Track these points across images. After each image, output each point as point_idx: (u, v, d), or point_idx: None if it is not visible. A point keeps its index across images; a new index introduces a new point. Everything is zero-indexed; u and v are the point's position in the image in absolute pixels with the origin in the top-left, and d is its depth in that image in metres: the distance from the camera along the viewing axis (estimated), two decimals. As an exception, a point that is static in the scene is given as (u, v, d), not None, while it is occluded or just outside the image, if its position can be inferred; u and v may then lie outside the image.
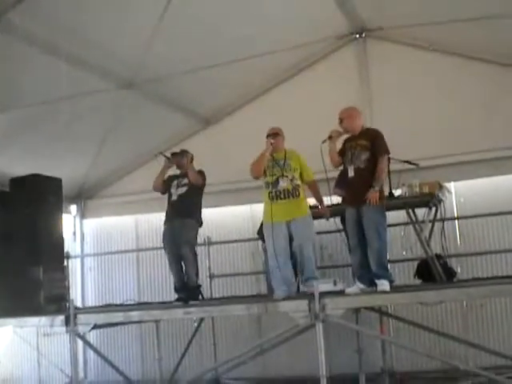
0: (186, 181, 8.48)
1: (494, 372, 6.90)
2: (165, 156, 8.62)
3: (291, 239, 7.32)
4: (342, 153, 7.23)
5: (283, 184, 7.30)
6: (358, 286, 6.94)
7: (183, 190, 8.44)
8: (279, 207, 7.26)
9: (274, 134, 7.47)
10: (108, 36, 8.08)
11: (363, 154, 7.00)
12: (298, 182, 7.38)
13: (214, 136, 10.93)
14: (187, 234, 8.33)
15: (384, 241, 6.91)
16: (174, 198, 8.45)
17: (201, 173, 8.53)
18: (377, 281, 6.76)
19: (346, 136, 7.32)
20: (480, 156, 9.41)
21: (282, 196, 7.28)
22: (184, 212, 8.33)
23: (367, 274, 6.93)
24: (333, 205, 8.50)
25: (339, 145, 7.33)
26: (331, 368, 6.58)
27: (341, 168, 7.37)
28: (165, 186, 8.61)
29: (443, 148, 9.52)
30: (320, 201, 7.70)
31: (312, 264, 7.31)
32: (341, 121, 7.24)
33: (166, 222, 8.49)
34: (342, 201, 8.10)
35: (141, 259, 11.68)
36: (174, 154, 8.70)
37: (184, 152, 8.69)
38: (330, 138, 7.20)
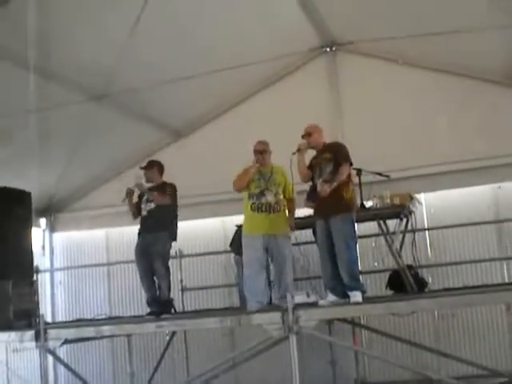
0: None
1: (465, 381, 6.98)
2: (129, 191, 8.48)
3: (267, 251, 7.33)
4: (311, 169, 7.27)
5: (267, 197, 7.35)
6: (331, 297, 6.93)
7: (151, 205, 8.36)
8: (260, 220, 7.31)
9: (261, 151, 7.51)
10: (78, 48, 8.02)
11: (328, 166, 7.07)
12: (281, 197, 7.46)
13: (185, 148, 10.89)
14: (159, 248, 8.26)
15: (354, 252, 6.93)
16: (144, 213, 8.38)
17: (171, 188, 8.45)
18: (349, 292, 6.76)
19: (312, 153, 7.34)
20: (449, 167, 9.52)
21: (264, 209, 7.33)
22: (156, 226, 8.26)
23: (339, 286, 6.92)
24: (304, 217, 8.53)
25: (306, 162, 7.33)
26: (305, 380, 6.55)
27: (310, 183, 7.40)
28: (138, 204, 8.55)
29: (413, 160, 9.61)
30: (291, 218, 7.69)
31: (289, 284, 7.32)
32: (309, 135, 7.28)
33: (139, 235, 8.44)
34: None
35: (112, 273, 11.59)
36: (142, 168, 8.61)
37: (152, 163, 8.61)
38: (299, 150, 7.21)
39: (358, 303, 6.66)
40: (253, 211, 7.36)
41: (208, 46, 8.80)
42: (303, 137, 7.30)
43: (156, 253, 8.23)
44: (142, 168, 8.60)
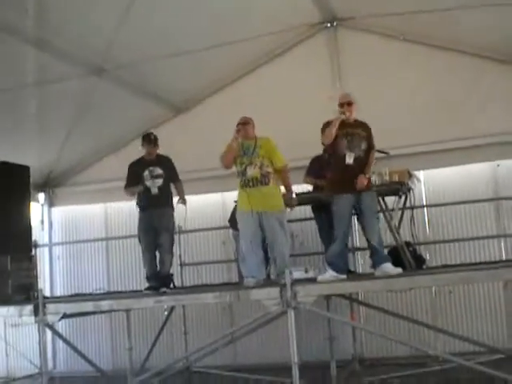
0: (159, 171, 8.40)
1: (462, 358, 6.98)
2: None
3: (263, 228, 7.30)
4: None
5: (250, 172, 7.27)
6: (331, 273, 6.95)
7: (159, 181, 8.37)
8: (250, 195, 7.24)
9: (243, 124, 7.44)
10: (77, 21, 7.95)
11: (362, 143, 7.12)
12: (269, 170, 7.33)
13: (185, 124, 10.87)
14: (167, 222, 8.34)
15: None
16: (155, 190, 8.34)
17: (172, 163, 8.50)
18: (383, 264, 6.90)
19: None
20: (449, 145, 9.50)
21: (251, 184, 7.26)
22: (163, 201, 8.35)
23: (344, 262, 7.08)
24: (303, 193, 8.53)
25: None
26: (302, 355, 6.60)
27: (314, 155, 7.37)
28: (134, 174, 8.50)
29: (413, 137, 9.58)
30: (288, 188, 7.64)
31: (285, 258, 7.26)
32: (350, 104, 7.21)
33: (143, 210, 8.41)
34: (316, 188, 8.15)
35: (110, 248, 11.61)
36: (145, 138, 8.57)
37: (153, 138, 8.58)
38: (343, 114, 7.13)
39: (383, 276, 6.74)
40: (241, 188, 7.34)
41: (208, 21, 8.73)
42: (343, 104, 7.21)
43: (163, 227, 8.30)
44: (144, 138, 8.55)
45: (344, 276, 6.93)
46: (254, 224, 7.24)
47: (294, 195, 7.72)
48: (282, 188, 7.69)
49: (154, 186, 8.35)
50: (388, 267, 6.89)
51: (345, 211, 7.05)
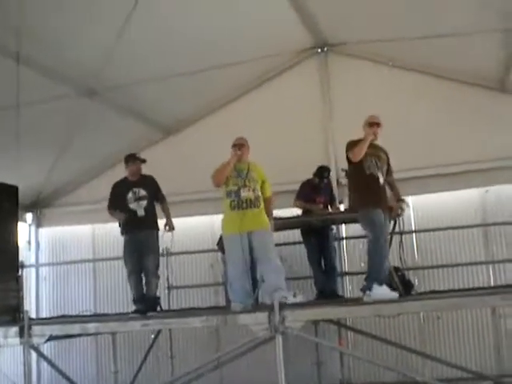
0: (143, 192, 8.34)
1: (450, 384, 6.96)
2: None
3: (252, 250, 7.23)
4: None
5: (245, 194, 7.22)
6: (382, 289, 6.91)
7: (144, 203, 8.30)
8: (240, 217, 7.16)
9: (240, 145, 7.40)
10: (70, 42, 7.98)
11: (385, 166, 7.26)
12: (259, 193, 7.34)
13: (174, 146, 10.89)
14: (152, 244, 8.29)
15: None
16: (141, 212, 8.27)
17: (156, 182, 8.49)
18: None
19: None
20: (438, 171, 9.55)
21: (245, 206, 7.20)
22: (148, 223, 8.28)
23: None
24: (292, 217, 8.52)
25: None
26: (290, 380, 6.53)
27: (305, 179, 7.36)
28: (117, 195, 8.44)
29: (402, 162, 9.51)
30: (270, 216, 7.56)
31: (278, 276, 7.14)
32: (379, 125, 7.23)
33: (127, 233, 8.34)
34: (305, 212, 8.15)
35: (98, 269, 11.54)
36: (130, 157, 8.52)
37: (138, 157, 8.53)
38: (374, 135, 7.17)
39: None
40: (232, 209, 7.24)
41: (199, 45, 8.76)
42: (372, 124, 7.21)
43: (149, 250, 8.23)
44: (135, 160, 8.49)
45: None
46: (242, 248, 7.14)
47: (273, 222, 7.63)
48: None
49: (139, 207, 8.28)
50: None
51: (384, 226, 7.10)
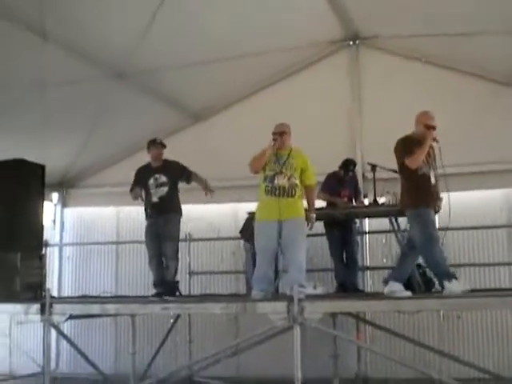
0: (163, 179, 8.32)
1: (467, 384, 6.92)
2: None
3: (280, 238, 7.15)
4: None
5: (279, 181, 7.11)
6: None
7: (164, 190, 8.29)
8: (273, 204, 7.08)
9: (281, 133, 7.29)
10: (102, 25, 8.02)
11: (434, 163, 7.14)
12: (296, 182, 7.18)
13: (202, 132, 10.91)
14: (171, 230, 8.27)
15: None
16: (155, 199, 8.28)
17: (177, 164, 8.48)
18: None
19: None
20: (464, 169, 9.45)
21: (277, 193, 7.09)
22: (167, 208, 8.26)
23: None
24: (316, 209, 8.48)
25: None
26: (306, 371, 6.54)
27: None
28: (140, 180, 8.46)
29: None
30: (311, 207, 7.50)
31: (300, 271, 7.08)
32: (434, 129, 7.08)
33: (149, 217, 8.37)
34: (329, 204, 8.14)
35: (120, 252, 11.64)
36: (151, 142, 8.51)
37: (156, 139, 8.54)
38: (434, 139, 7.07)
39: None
40: (266, 194, 7.16)
41: (229, 32, 8.77)
42: (431, 127, 7.06)
43: (168, 235, 8.23)
44: (156, 144, 8.49)
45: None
46: (272, 236, 7.09)
47: (314, 215, 7.54)
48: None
49: (156, 194, 8.28)
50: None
51: (431, 226, 7.00)
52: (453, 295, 6.53)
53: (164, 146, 8.51)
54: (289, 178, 7.15)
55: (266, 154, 7.17)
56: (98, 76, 8.88)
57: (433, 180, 7.03)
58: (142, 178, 8.44)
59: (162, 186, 8.32)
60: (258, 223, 7.32)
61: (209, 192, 8.40)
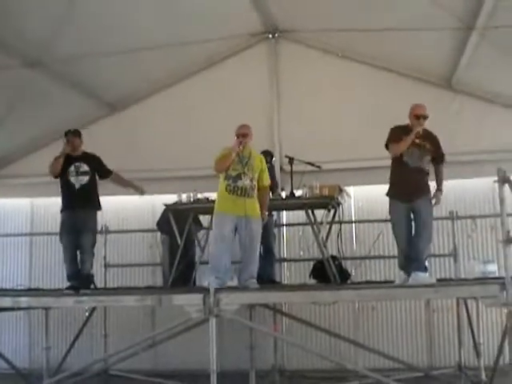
0: (85, 168, 8.19)
1: (382, 374, 7.04)
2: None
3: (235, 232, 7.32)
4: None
5: (243, 182, 7.26)
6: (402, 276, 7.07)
7: (84, 179, 8.14)
8: (233, 201, 7.22)
9: (245, 135, 7.37)
10: (16, 13, 7.79)
11: (427, 156, 7.15)
12: (255, 183, 7.39)
13: (119, 123, 10.75)
14: (91, 224, 8.18)
15: None
16: (77, 186, 8.12)
17: (97, 159, 8.38)
18: (419, 272, 6.90)
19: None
20: (380, 163, 9.58)
21: (239, 192, 7.24)
22: (88, 202, 8.14)
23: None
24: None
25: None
26: (223, 363, 6.59)
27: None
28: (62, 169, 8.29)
29: (345, 152, 9.72)
30: (264, 207, 7.57)
31: (255, 265, 7.28)
32: (425, 118, 7.13)
33: (66, 209, 8.18)
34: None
35: (34, 244, 11.35)
36: (70, 133, 8.30)
37: (79, 132, 8.38)
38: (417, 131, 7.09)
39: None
40: (228, 192, 7.28)
41: (148, 23, 8.70)
42: (419, 117, 7.11)
43: (87, 229, 8.11)
44: (70, 134, 8.30)
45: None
46: (230, 227, 7.22)
47: (266, 214, 7.67)
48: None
49: (77, 182, 8.12)
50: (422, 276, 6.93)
51: (400, 218, 7.19)
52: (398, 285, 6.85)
53: (80, 136, 8.34)
54: (251, 180, 7.33)
55: (233, 155, 7.27)
56: (12, 64, 8.62)
57: (413, 170, 7.08)
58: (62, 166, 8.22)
59: (83, 175, 8.17)
60: (218, 212, 7.38)
61: (140, 191, 8.46)
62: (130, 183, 8.53)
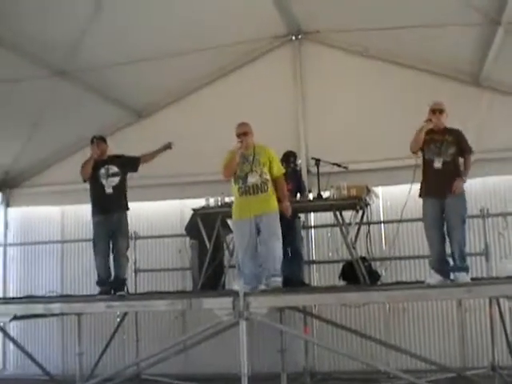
0: (115, 169, 8.25)
1: (413, 375, 7.00)
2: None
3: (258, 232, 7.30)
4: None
5: (252, 179, 7.26)
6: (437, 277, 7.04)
7: (115, 180, 8.22)
8: (248, 203, 7.25)
9: (244, 134, 7.37)
10: (42, 23, 7.90)
11: (450, 148, 7.13)
12: (267, 177, 7.35)
13: (145, 129, 10.80)
14: (124, 228, 8.27)
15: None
16: (109, 190, 8.18)
17: (123, 156, 8.45)
18: (457, 273, 6.91)
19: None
20: (407, 162, 9.53)
21: (251, 191, 7.26)
22: (120, 204, 8.23)
23: (446, 266, 7.11)
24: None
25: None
26: (253, 367, 6.57)
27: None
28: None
29: (373, 152, 9.66)
30: (284, 197, 7.55)
31: (276, 261, 7.22)
32: (441, 112, 7.21)
33: (100, 213, 8.22)
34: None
35: (65, 251, 11.47)
36: (96, 138, 8.39)
37: (101, 135, 8.48)
38: (429, 120, 7.16)
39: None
40: (240, 195, 7.32)
41: (172, 29, 8.74)
42: (435, 111, 7.20)
43: (122, 232, 8.21)
44: (98, 140, 8.38)
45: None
46: (250, 232, 7.23)
47: (288, 203, 7.58)
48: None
49: (108, 184, 8.19)
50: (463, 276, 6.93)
51: (430, 216, 7.22)
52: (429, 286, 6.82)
53: (106, 141, 8.42)
54: (260, 175, 7.31)
55: (237, 159, 7.28)
56: (41, 73, 8.72)
57: (436, 165, 7.08)
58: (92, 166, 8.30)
59: (114, 176, 8.24)
60: (234, 222, 7.49)
61: (169, 147, 8.42)
62: (157, 151, 8.50)
